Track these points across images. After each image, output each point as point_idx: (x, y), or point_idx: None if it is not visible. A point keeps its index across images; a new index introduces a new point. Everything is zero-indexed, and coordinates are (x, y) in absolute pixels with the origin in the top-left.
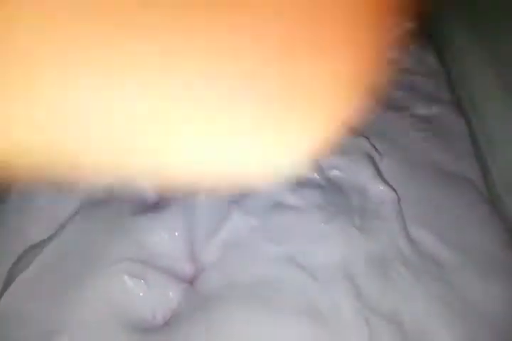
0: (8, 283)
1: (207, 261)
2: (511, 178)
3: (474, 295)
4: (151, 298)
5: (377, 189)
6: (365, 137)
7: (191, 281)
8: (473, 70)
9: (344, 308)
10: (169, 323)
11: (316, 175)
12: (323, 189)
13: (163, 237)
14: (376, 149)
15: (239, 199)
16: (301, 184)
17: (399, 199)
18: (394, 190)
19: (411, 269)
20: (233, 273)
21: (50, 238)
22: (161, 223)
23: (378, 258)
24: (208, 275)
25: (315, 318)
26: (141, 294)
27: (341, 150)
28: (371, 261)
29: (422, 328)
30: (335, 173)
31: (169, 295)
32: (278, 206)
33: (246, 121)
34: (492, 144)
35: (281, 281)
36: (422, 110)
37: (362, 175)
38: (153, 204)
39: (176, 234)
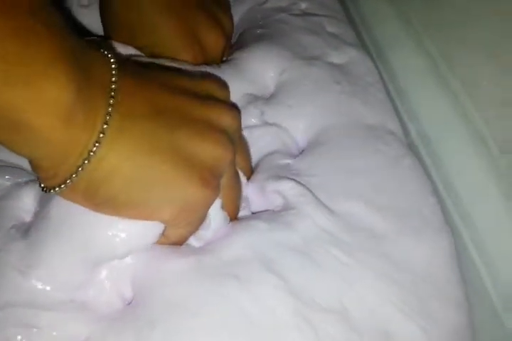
0: None
1: None
2: (426, 129)
3: (415, 262)
4: None
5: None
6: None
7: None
8: (376, 13)
9: (278, 310)
10: None
11: None
12: None
13: None
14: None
15: None
16: None
17: (312, 173)
18: (305, 159)
19: (343, 248)
20: (143, 300)
21: None
22: None
23: (300, 245)
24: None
25: (248, 329)
26: None
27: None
28: (294, 250)
29: (370, 311)
30: None
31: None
32: None
33: None
34: (401, 92)
35: (197, 295)
36: (335, 58)
37: None
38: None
39: None
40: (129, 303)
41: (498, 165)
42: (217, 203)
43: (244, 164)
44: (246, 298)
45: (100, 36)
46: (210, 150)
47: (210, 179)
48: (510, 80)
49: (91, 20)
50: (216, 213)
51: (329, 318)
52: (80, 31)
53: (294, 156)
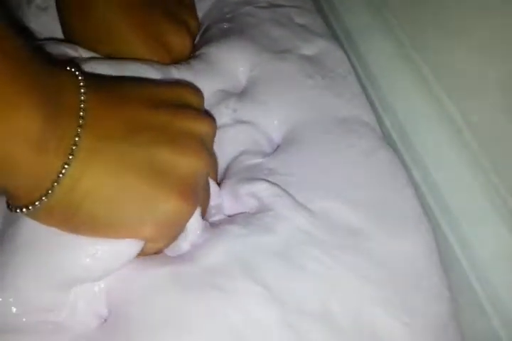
0: None
1: None
2: (401, 120)
3: (396, 258)
4: None
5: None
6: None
7: None
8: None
9: (264, 319)
10: None
11: None
12: None
13: None
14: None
15: None
16: None
17: (286, 172)
18: (278, 157)
19: (324, 248)
20: (119, 316)
21: None
22: None
23: (280, 248)
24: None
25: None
26: None
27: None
28: (274, 254)
29: (354, 312)
30: None
31: None
32: None
33: None
34: (375, 82)
35: (178, 307)
36: (305, 50)
37: None
38: None
39: None
40: (105, 320)
41: (475, 155)
42: (195, 214)
43: (213, 172)
44: (230, 308)
45: (60, 39)
46: (188, 163)
47: (189, 192)
48: (485, 69)
49: (50, 23)
50: (194, 224)
51: (315, 323)
52: (32, 36)
53: (267, 155)
